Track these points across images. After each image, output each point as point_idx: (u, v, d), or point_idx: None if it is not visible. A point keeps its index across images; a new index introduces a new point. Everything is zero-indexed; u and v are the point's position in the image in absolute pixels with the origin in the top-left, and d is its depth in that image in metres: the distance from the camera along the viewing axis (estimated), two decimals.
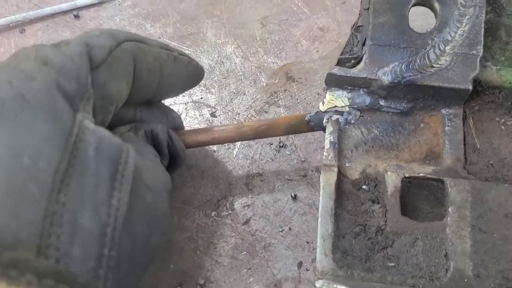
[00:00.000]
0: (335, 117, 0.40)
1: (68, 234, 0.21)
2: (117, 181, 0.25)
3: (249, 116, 0.47)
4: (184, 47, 0.53)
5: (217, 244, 0.38)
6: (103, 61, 0.28)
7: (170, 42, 0.54)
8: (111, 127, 0.32)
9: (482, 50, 0.37)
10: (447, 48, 0.37)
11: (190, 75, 0.38)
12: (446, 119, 0.39)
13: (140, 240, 0.26)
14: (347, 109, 0.40)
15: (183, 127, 0.41)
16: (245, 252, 0.38)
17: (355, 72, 0.39)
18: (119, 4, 0.58)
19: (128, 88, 0.32)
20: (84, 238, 0.22)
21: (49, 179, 0.22)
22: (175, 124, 0.40)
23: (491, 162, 0.37)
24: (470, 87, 0.37)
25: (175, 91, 0.39)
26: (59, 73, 0.25)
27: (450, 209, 0.34)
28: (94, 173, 0.24)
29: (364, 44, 0.39)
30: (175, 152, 0.36)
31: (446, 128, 0.38)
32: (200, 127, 0.46)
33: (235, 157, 0.44)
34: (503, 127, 0.38)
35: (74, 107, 0.25)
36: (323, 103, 0.41)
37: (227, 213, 0.40)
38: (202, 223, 0.40)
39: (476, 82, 0.38)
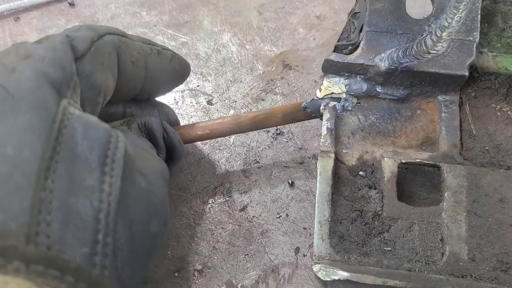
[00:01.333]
0: (332, 103, 0.40)
1: (58, 221, 0.21)
2: (107, 166, 0.24)
3: (245, 103, 0.47)
4: (180, 35, 0.53)
5: (215, 230, 0.39)
6: (86, 51, 0.28)
7: (166, 30, 0.54)
8: None
9: (478, 37, 0.37)
10: (444, 34, 0.37)
11: (176, 69, 0.38)
12: (442, 105, 0.39)
13: (139, 228, 0.26)
14: (344, 95, 0.40)
15: (178, 122, 0.41)
16: (242, 238, 0.38)
17: (352, 58, 0.39)
18: None
19: (114, 80, 0.31)
20: (76, 224, 0.22)
21: (34, 167, 0.21)
22: (169, 118, 0.39)
23: (486, 148, 0.37)
24: (467, 73, 0.37)
25: (163, 87, 0.39)
26: (42, 63, 0.25)
27: (446, 194, 0.35)
28: (82, 159, 0.24)
29: (361, 30, 0.39)
30: (171, 144, 0.36)
31: (443, 114, 0.38)
32: (196, 120, 0.46)
33: (232, 144, 0.44)
34: (498, 113, 0.39)
35: (61, 94, 0.25)
36: (320, 90, 0.41)
37: (224, 200, 0.40)
38: (199, 210, 0.40)
39: (473, 68, 0.38)
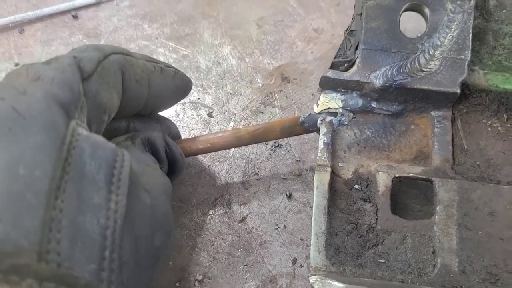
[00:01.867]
0: (328, 118, 0.41)
1: (68, 239, 0.22)
2: (113, 185, 0.25)
3: (245, 116, 0.48)
4: (181, 48, 0.55)
5: (215, 241, 0.40)
6: (93, 71, 0.29)
7: (168, 43, 0.55)
8: (106, 139, 0.34)
9: (470, 55, 0.39)
10: (437, 52, 0.39)
11: (178, 85, 0.39)
12: (435, 120, 0.40)
13: (143, 242, 0.27)
14: (340, 110, 0.41)
15: (179, 135, 0.42)
16: (241, 249, 0.39)
17: (348, 75, 0.40)
18: (117, 5, 0.59)
19: (119, 98, 0.33)
20: (84, 242, 0.23)
21: (45, 187, 0.22)
22: (171, 132, 0.41)
23: (477, 162, 0.39)
24: (458, 91, 0.38)
25: (165, 103, 0.40)
26: (51, 84, 0.26)
27: (438, 208, 0.36)
28: (90, 178, 0.25)
29: (357, 48, 0.41)
30: (173, 158, 0.37)
31: (435, 129, 0.40)
32: (197, 132, 0.47)
33: (232, 156, 0.45)
34: (489, 129, 0.40)
35: (70, 115, 0.26)
36: (317, 104, 0.42)
37: (224, 211, 0.42)
38: (200, 221, 0.41)
39: (464, 85, 0.39)
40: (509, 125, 0.40)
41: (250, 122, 0.47)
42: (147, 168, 0.32)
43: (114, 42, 0.55)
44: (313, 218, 0.36)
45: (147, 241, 0.28)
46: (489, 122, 0.40)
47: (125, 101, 0.34)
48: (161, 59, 0.53)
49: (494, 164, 0.38)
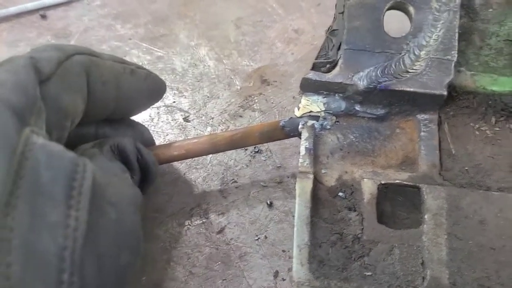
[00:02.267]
0: (310, 122, 0.39)
1: (19, 261, 0.20)
2: (73, 199, 0.23)
3: (223, 120, 0.46)
4: (156, 49, 0.52)
5: (191, 254, 0.37)
6: (52, 73, 0.27)
7: (141, 44, 0.52)
8: (72, 146, 0.31)
9: (456, 55, 0.37)
10: (422, 53, 0.37)
11: (151, 88, 0.37)
12: (421, 124, 0.38)
13: (108, 261, 0.24)
14: (322, 114, 0.39)
15: (153, 141, 0.39)
16: (220, 262, 0.37)
17: (331, 77, 0.38)
18: (88, 4, 0.57)
19: (84, 102, 0.30)
20: (38, 264, 0.21)
21: None
22: (143, 138, 0.38)
23: (466, 168, 0.37)
24: (445, 93, 0.37)
25: (137, 107, 0.37)
26: (2, 89, 0.23)
27: (426, 216, 0.34)
28: (45, 192, 0.22)
29: (339, 48, 0.39)
30: (146, 165, 0.35)
31: (422, 133, 0.38)
32: (172, 137, 0.44)
33: (209, 163, 0.42)
34: (477, 133, 0.38)
35: (24, 122, 0.23)
36: (298, 108, 0.40)
37: (201, 221, 0.39)
38: (176, 233, 0.38)
39: (451, 87, 0.38)
40: (497, 128, 0.38)
41: (228, 127, 0.45)
42: (113, 179, 0.29)
43: (85, 43, 0.52)
44: (295, 229, 0.34)
45: (112, 260, 0.25)
46: (477, 126, 0.39)
47: (91, 105, 0.31)
48: (135, 61, 0.51)
49: (483, 169, 0.37)
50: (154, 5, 0.57)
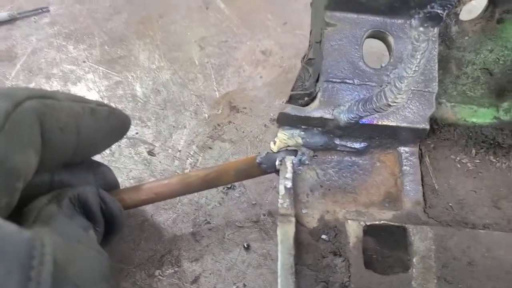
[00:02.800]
0: (288, 158, 0.37)
1: None
2: None
3: (191, 153, 0.42)
4: (114, 73, 0.48)
5: None
6: None
7: (98, 67, 0.48)
8: (25, 200, 0.27)
9: (437, 87, 0.36)
10: (403, 85, 0.35)
11: (114, 127, 0.33)
12: (402, 157, 0.37)
13: None
14: (301, 148, 0.37)
15: (116, 183, 0.35)
16: None
17: (310, 111, 0.36)
18: (35, 22, 0.51)
19: (37, 155, 0.26)
20: None
21: None
22: (106, 181, 0.34)
23: (450, 204, 0.36)
24: (428, 126, 0.35)
25: (98, 149, 0.33)
26: None
27: (414, 260, 0.33)
28: None
29: (317, 80, 0.36)
30: (111, 215, 0.31)
31: (404, 167, 0.37)
32: (136, 174, 0.41)
33: (179, 202, 0.39)
34: (458, 165, 0.37)
35: None
36: (274, 142, 0.37)
37: (173, 270, 0.36)
38: (145, 285, 0.35)
39: (432, 120, 0.37)
40: (477, 161, 0.38)
41: (197, 160, 0.42)
42: (77, 249, 0.25)
43: (33, 67, 0.47)
44: (279, 280, 0.31)
45: None
46: (458, 158, 0.38)
47: (47, 155, 0.27)
48: (90, 86, 0.46)
49: (467, 204, 0.36)
50: (110, 23, 0.52)
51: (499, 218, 0.35)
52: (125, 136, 0.41)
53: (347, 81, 0.36)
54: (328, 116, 0.35)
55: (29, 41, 0.50)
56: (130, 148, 0.42)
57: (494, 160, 0.38)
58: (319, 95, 0.36)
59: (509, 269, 0.33)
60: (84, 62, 0.48)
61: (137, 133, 0.43)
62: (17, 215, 0.27)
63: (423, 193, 0.36)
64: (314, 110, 0.36)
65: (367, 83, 0.36)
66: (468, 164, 0.37)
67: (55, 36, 0.50)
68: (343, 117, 0.35)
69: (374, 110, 0.35)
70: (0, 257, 0.18)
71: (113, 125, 0.32)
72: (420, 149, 0.38)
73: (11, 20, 0.51)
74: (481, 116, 0.37)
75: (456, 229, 0.34)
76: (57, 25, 0.51)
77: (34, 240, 0.20)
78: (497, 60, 0.39)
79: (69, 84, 0.46)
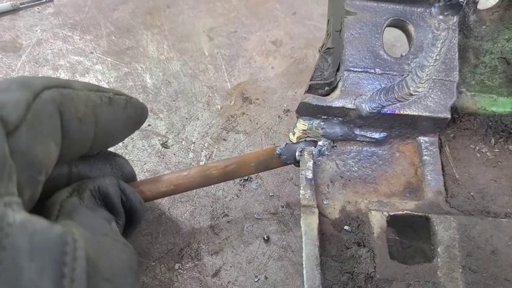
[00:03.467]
0: (308, 149, 0.36)
1: None
2: None
3: (205, 145, 0.42)
4: (123, 64, 0.47)
5: None
6: (20, 121, 0.22)
7: (106, 58, 0.47)
8: (44, 193, 0.26)
9: (458, 76, 0.36)
10: (424, 74, 0.35)
11: (131, 116, 0.31)
12: (422, 147, 0.37)
13: None
14: (320, 139, 0.37)
15: (134, 175, 0.35)
16: None
17: (331, 101, 0.35)
18: (38, 12, 0.50)
19: (58, 147, 0.25)
20: None
21: None
22: (123, 172, 0.33)
23: (471, 193, 0.36)
24: (449, 116, 0.35)
25: (116, 139, 0.32)
26: None
27: (439, 249, 0.32)
28: None
29: (338, 69, 0.36)
30: (131, 207, 0.30)
31: (424, 157, 0.36)
32: (151, 166, 0.40)
33: (195, 195, 0.38)
34: (478, 155, 0.37)
35: None
36: (294, 133, 0.37)
37: (193, 264, 0.35)
38: (165, 279, 0.34)
39: (453, 109, 0.36)
40: (497, 150, 0.37)
41: (212, 152, 0.41)
42: (104, 242, 0.24)
43: (39, 58, 0.46)
44: (304, 272, 0.31)
45: None
46: (477, 148, 0.38)
47: (66, 146, 0.26)
48: (99, 77, 0.45)
49: (488, 194, 0.36)
50: (116, 13, 0.51)
51: None
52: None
53: (369, 70, 0.35)
54: (350, 105, 0.35)
55: (33, 31, 0.48)
56: (143, 141, 0.41)
57: None
58: (340, 84, 0.35)
59: None
60: (91, 53, 0.47)
61: (149, 125, 0.42)
62: (38, 209, 0.26)
63: (444, 182, 0.36)
64: (335, 100, 0.35)
65: (388, 72, 0.36)
66: (488, 153, 0.37)
67: (60, 27, 0.49)
68: (365, 107, 0.35)
69: (396, 99, 0.35)
70: (33, 255, 0.18)
71: (130, 114, 0.31)
72: (440, 139, 0.37)
73: (14, 10, 0.49)
74: (501, 105, 0.37)
75: (478, 218, 0.34)
76: (61, 15, 0.50)
77: (66, 236, 0.19)
78: None
79: (77, 75, 0.45)
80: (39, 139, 0.23)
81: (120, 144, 0.41)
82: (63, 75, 0.45)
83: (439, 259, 0.32)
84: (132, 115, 0.32)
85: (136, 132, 0.42)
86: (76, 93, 0.26)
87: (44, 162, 0.23)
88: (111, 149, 0.34)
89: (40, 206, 0.27)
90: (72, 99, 0.26)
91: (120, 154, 0.37)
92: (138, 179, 0.35)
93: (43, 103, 0.23)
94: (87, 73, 0.46)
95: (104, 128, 0.29)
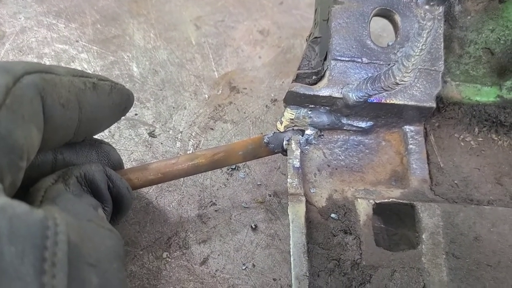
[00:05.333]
0: (295, 137, 0.36)
1: None
2: (46, 275, 0.18)
3: (193, 134, 0.42)
4: (109, 53, 0.46)
5: None
6: (0, 105, 0.22)
7: (91, 47, 0.46)
8: (29, 181, 0.26)
9: (443, 66, 0.36)
10: (410, 63, 0.35)
11: (117, 102, 0.31)
12: (407, 136, 0.37)
13: None
14: (307, 128, 0.37)
15: (121, 162, 0.34)
16: None
17: (318, 89, 0.35)
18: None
19: (40, 132, 0.25)
20: None
21: None
22: (110, 160, 0.33)
23: (455, 181, 0.36)
24: (434, 105, 0.36)
25: (101, 126, 0.32)
26: None
27: (424, 236, 0.33)
28: (10, 274, 0.17)
29: (325, 58, 0.36)
30: (119, 194, 0.30)
31: (409, 146, 0.37)
32: (138, 156, 0.40)
33: (183, 184, 0.38)
34: (462, 144, 0.38)
35: None
36: (281, 122, 0.37)
37: (181, 252, 0.35)
38: (153, 267, 0.34)
39: (438, 98, 0.37)
40: (480, 139, 0.38)
41: (200, 141, 0.41)
42: (89, 227, 0.24)
43: (23, 46, 0.45)
44: (292, 259, 0.31)
45: None
46: (461, 137, 0.38)
47: (49, 132, 0.25)
48: (85, 66, 0.45)
49: (471, 182, 0.36)
50: (101, 1, 0.51)
51: (502, 195, 0.36)
52: (124, 117, 0.40)
53: (356, 59, 0.36)
54: (337, 94, 0.35)
55: (17, 19, 0.47)
56: (130, 130, 0.41)
57: (496, 138, 0.38)
58: (327, 73, 0.36)
59: None
60: (77, 41, 0.47)
61: (136, 114, 0.42)
62: (23, 196, 0.26)
63: (429, 171, 0.36)
64: (322, 89, 0.35)
65: (375, 61, 0.36)
66: (472, 142, 0.38)
67: (45, 15, 0.48)
68: (352, 96, 0.35)
69: (382, 88, 0.35)
70: (13, 239, 0.18)
71: (115, 100, 0.31)
72: (425, 128, 0.38)
73: None
74: (485, 94, 0.38)
75: (462, 206, 0.34)
76: (45, 3, 0.49)
77: (47, 220, 0.19)
78: (498, 39, 0.39)
79: (62, 64, 0.45)
80: (20, 124, 0.22)
81: (107, 133, 0.40)
82: (48, 63, 0.44)
83: (423, 246, 0.33)
84: (117, 101, 0.31)
85: (123, 121, 0.41)
86: (59, 78, 0.26)
87: (26, 147, 0.23)
88: (97, 137, 0.34)
89: (24, 194, 0.27)
90: (54, 84, 0.25)
91: (111, 146, 0.36)
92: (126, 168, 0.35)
93: (24, 88, 0.23)
94: (73, 61, 0.45)
95: (88, 114, 0.28)
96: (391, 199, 0.35)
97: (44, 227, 0.19)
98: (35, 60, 0.45)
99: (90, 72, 0.44)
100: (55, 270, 0.19)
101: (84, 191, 0.29)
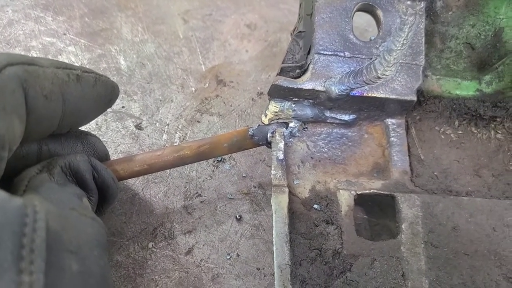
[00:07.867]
0: (279, 130, 0.37)
1: None
2: (24, 261, 0.19)
3: (179, 127, 0.42)
4: (96, 46, 0.47)
5: (159, 280, 0.34)
6: None
7: (79, 40, 0.47)
8: (14, 172, 0.26)
9: (424, 60, 0.37)
10: (392, 58, 0.36)
11: (102, 94, 0.31)
12: (389, 129, 0.38)
13: None
14: (291, 121, 0.38)
15: (107, 153, 0.35)
16: (191, 287, 0.34)
17: (302, 83, 0.36)
18: None
19: (22, 123, 0.25)
20: None
21: None
22: (96, 151, 0.34)
23: (435, 173, 0.37)
24: (415, 98, 0.36)
25: (86, 118, 0.32)
26: None
27: (403, 226, 0.34)
28: None
29: (309, 52, 0.37)
30: (104, 184, 0.31)
31: (391, 139, 0.38)
32: (125, 148, 0.40)
33: (169, 176, 0.39)
34: (442, 136, 0.39)
35: None
36: (266, 115, 0.38)
37: (166, 242, 0.36)
38: (139, 257, 0.35)
39: (419, 92, 0.38)
40: (460, 132, 0.39)
41: (186, 134, 0.42)
42: (71, 215, 0.25)
43: (10, 39, 0.46)
44: (274, 248, 0.32)
45: None
46: (442, 129, 0.39)
47: (32, 124, 0.26)
48: (72, 59, 0.45)
49: (451, 173, 0.37)
50: None
51: (480, 186, 0.37)
52: (111, 110, 0.41)
53: (338, 53, 0.36)
54: (319, 88, 0.36)
55: (4, 12, 0.48)
56: (117, 122, 0.42)
57: (475, 131, 0.39)
58: (310, 67, 0.36)
59: (490, 233, 0.34)
60: (64, 34, 0.47)
61: (123, 107, 0.43)
62: (7, 187, 0.27)
63: (410, 163, 0.37)
64: (306, 82, 0.36)
65: (357, 55, 0.37)
66: (452, 135, 0.39)
67: (32, 8, 0.48)
68: (335, 89, 0.36)
69: (365, 82, 0.36)
70: None
71: (100, 92, 0.31)
72: (407, 121, 0.39)
73: None
74: (465, 88, 0.39)
75: (441, 197, 0.35)
76: None
77: (25, 207, 0.20)
78: (479, 35, 0.40)
79: (49, 57, 0.45)
80: (1, 115, 0.23)
81: (93, 125, 0.41)
82: (35, 56, 0.45)
83: (403, 235, 0.34)
84: (102, 93, 0.32)
85: (110, 114, 0.42)
86: (42, 70, 0.26)
87: (7, 137, 0.23)
88: (84, 129, 0.34)
89: (8, 185, 0.27)
90: (37, 76, 0.26)
91: (97, 137, 0.37)
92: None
93: (5, 79, 0.24)
94: (60, 54, 0.45)
95: (72, 106, 0.29)
96: (372, 190, 0.35)
97: (22, 214, 0.20)
98: (22, 53, 0.45)
99: (78, 65, 0.44)
100: (33, 256, 0.19)
101: (68, 181, 0.29)
